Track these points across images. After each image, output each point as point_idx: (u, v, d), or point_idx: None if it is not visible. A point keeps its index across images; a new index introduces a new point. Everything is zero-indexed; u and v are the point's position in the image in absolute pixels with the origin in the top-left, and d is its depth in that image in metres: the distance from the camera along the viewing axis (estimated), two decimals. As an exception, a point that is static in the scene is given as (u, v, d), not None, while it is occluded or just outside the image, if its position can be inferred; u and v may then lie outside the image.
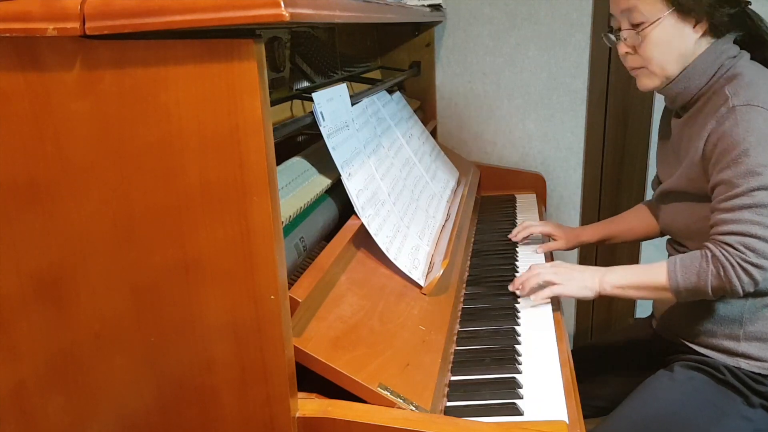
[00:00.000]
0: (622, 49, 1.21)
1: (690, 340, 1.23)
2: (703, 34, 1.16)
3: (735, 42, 1.19)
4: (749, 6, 1.18)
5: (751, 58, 1.19)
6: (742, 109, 1.08)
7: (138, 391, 0.78)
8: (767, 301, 1.16)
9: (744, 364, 1.16)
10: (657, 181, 1.41)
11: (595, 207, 2.17)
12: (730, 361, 1.17)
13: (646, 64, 1.18)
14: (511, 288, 1.25)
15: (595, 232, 1.52)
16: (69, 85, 0.69)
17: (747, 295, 1.15)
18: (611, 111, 2.07)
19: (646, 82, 1.22)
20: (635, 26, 1.16)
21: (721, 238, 1.08)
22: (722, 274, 1.06)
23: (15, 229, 0.75)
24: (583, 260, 2.21)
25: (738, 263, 1.06)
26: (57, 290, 0.76)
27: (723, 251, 1.07)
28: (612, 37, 1.23)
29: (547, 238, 1.55)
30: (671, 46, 1.15)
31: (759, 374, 1.15)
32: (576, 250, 2.21)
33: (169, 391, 0.78)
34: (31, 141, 0.71)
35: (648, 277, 1.15)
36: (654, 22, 1.13)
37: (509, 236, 1.57)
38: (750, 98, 1.09)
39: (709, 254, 1.08)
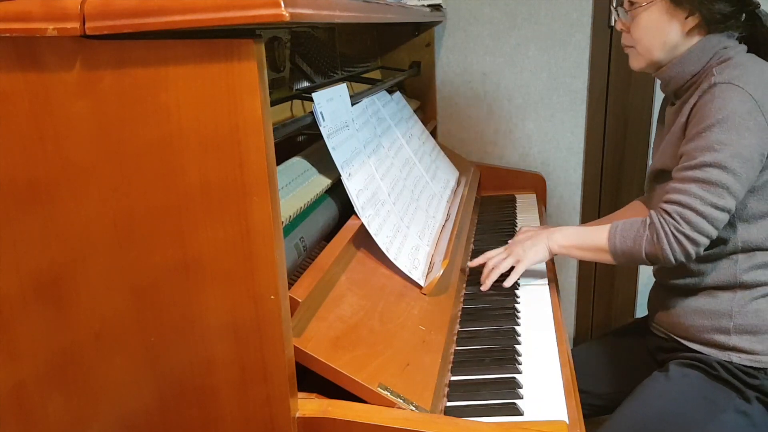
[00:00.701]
0: (618, 25, 1.26)
1: (682, 336, 1.23)
2: (695, 29, 1.17)
3: (738, 39, 1.20)
4: (758, 8, 1.18)
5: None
6: (722, 86, 1.10)
7: (138, 391, 0.78)
8: (756, 293, 1.17)
9: (735, 357, 1.16)
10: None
11: (595, 207, 2.17)
12: (722, 355, 1.17)
13: (634, 44, 1.23)
14: (483, 289, 1.29)
15: None
16: (69, 85, 0.69)
17: (734, 287, 1.17)
18: (611, 111, 2.07)
19: (633, 62, 1.26)
20: (631, 5, 1.20)
21: (664, 205, 1.11)
22: (655, 240, 1.10)
23: (15, 229, 0.75)
24: (583, 262, 2.21)
25: (671, 232, 1.09)
26: (57, 290, 0.76)
27: (661, 218, 1.10)
28: (616, 11, 1.27)
29: None
30: (657, 31, 1.18)
31: (751, 367, 1.15)
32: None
33: (169, 391, 0.78)
34: (31, 141, 0.71)
35: (590, 238, 1.20)
36: (645, 5, 1.17)
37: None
38: (732, 77, 1.10)
39: (648, 221, 1.12)
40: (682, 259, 1.10)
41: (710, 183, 1.07)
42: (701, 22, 1.16)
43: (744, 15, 1.18)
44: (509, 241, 1.33)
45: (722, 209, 1.08)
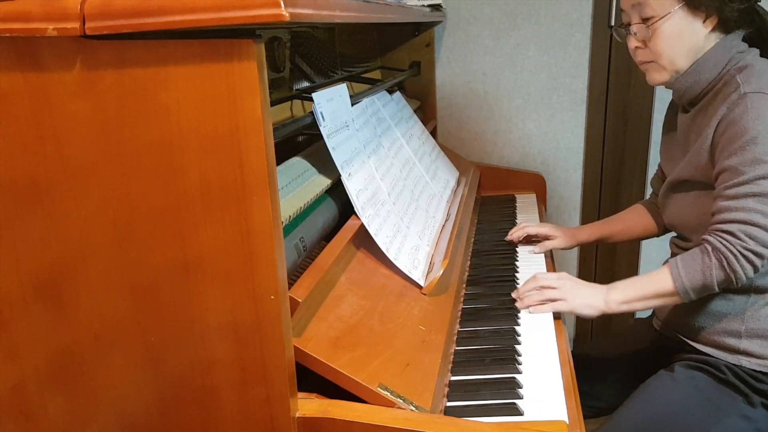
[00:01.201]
0: (632, 43, 1.21)
1: (691, 337, 1.23)
2: (713, 30, 1.16)
3: (744, 39, 1.20)
4: (758, 2, 1.18)
5: (761, 56, 1.19)
6: (754, 96, 1.08)
7: (138, 391, 0.78)
8: None
9: (745, 361, 1.16)
10: (659, 178, 1.41)
11: (595, 207, 2.17)
12: (731, 358, 1.17)
13: (655, 58, 1.19)
14: (514, 295, 1.23)
15: (592, 231, 1.52)
16: (69, 85, 0.69)
17: (749, 291, 1.16)
18: (611, 111, 2.07)
19: (655, 77, 1.22)
20: (645, 20, 1.17)
21: (722, 226, 1.07)
22: (725, 264, 1.06)
23: (15, 229, 0.75)
24: (583, 260, 2.21)
25: (740, 251, 1.06)
26: (57, 290, 0.76)
27: (723, 241, 1.07)
28: (622, 31, 1.24)
29: (545, 238, 1.55)
30: (681, 40, 1.16)
31: (760, 372, 1.15)
32: (576, 250, 2.21)
33: (169, 391, 0.78)
34: (31, 141, 0.71)
35: (653, 286, 1.14)
36: (664, 16, 1.14)
37: (506, 238, 1.57)
38: (762, 86, 1.09)
39: (709, 247, 1.08)
40: (752, 275, 1.08)
41: (766, 195, 1.05)
42: (719, 22, 1.15)
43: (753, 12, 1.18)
44: (563, 274, 1.23)
45: None
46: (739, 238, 1.06)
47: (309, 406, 0.78)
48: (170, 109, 0.67)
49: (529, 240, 1.55)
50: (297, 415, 0.77)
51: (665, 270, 1.12)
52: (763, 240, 1.05)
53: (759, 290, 1.16)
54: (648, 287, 1.14)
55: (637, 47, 1.21)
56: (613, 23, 1.94)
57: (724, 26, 1.16)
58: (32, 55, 0.69)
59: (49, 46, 0.68)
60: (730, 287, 1.11)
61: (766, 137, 1.05)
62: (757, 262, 1.06)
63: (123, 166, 0.70)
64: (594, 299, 1.15)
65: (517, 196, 1.98)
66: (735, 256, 1.06)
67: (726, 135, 1.10)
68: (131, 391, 0.79)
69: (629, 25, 1.21)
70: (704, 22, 1.15)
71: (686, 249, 1.21)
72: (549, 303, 1.18)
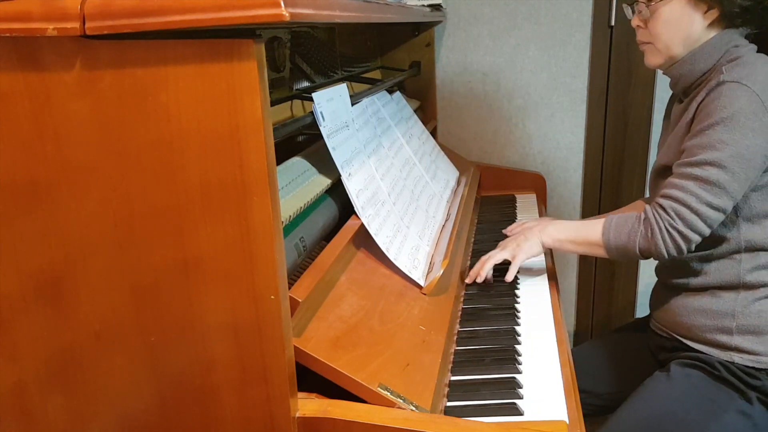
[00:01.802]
0: (635, 21, 1.24)
1: (685, 335, 1.23)
2: (714, 23, 1.17)
3: (748, 37, 1.20)
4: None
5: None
6: (730, 84, 1.10)
7: (138, 391, 0.78)
8: (759, 294, 1.17)
9: (737, 358, 1.16)
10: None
11: (595, 207, 2.17)
12: (724, 355, 1.17)
13: (653, 40, 1.21)
14: (468, 281, 1.30)
15: None
16: (69, 85, 0.69)
17: (738, 287, 1.17)
18: (611, 111, 2.07)
19: (651, 59, 1.24)
20: (649, 1, 1.18)
21: (660, 200, 1.12)
22: (649, 235, 1.11)
23: (15, 229, 0.75)
24: (583, 259, 2.21)
25: (665, 227, 1.09)
26: (57, 290, 0.76)
27: (655, 213, 1.11)
28: (629, 9, 1.26)
29: None
30: (678, 26, 1.17)
31: (753, 368, 1.15)
32: (576, 255, 2.20)
33: (169, 391, 0.78)
34: (31, 141, 0.71)
35: (584, 232, 1.21)
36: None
37: (504, 231, 1.57)
38: (741, 76, 1.10)
39: (642, 216, 1.13)
40: (674, 254, 1.11)
41: (708, 181, 1.07)
42: (720, 16, 1.15)
43: (760, 10, 1.17)
44: (506, 240, 1.33)
45: (717, 208, 1.08)
46: (669, 215, 1.10)
47: (309, 406, 0.78)
48: (170, 109, 0.67)
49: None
50: (297, 415, 0.77)
51: (600, 221, 1.19)
52: (691, 223, 1.08)
53: (748, 286, 1.17)
54: (580, 232, 1.22)
55: (638, 26, 1.23)
56: (613, 23, 1.94)
57: (726, 21, 1.16)
58: (32, 55, 0.69)
59: (49, 46, 0.68)
60: (651, 258, 1.15)
61: (727, 125, 1.07)
62: (681, 243, 1.10)
63: (123, 166, 0.70)
64: (534, 239, 1.26)
65: (517, 196, 1.98)
66: (660, 230, 1.10)
67: (697, 119, 1.13)
68: (131, 391, 0.79)
69: (637, 2, 1.22)
70: (705, 13, 1.16)
71: None
72: (510, 267, 1.26)
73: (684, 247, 1.10)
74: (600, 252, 1.19)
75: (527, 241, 1.27)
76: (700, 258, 1.19)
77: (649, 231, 1.11)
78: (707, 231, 1.10)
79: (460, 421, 0.81)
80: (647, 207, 1.13)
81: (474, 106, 2.12)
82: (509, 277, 1.27)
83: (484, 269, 1.28)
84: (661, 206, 1.11)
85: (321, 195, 1.06)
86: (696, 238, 1.10)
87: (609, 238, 1.15)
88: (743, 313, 1.17)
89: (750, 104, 1.07)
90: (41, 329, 0.78)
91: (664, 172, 1.25)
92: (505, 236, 1.55)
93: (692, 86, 1.21)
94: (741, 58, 1.14)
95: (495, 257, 1.28)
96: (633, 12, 1.24)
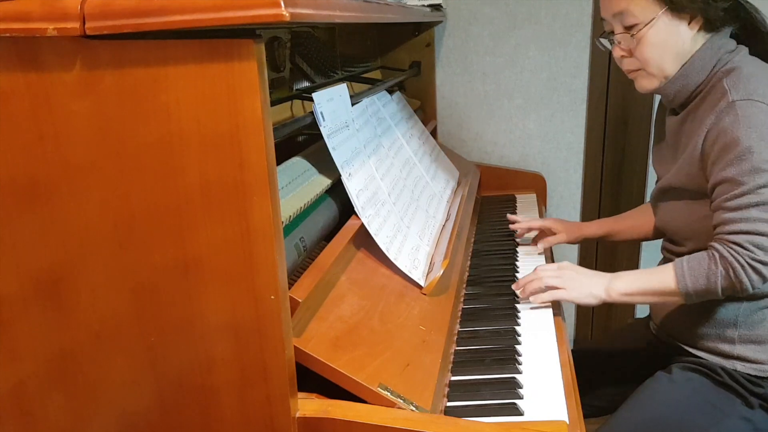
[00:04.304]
0: (617, 52, 1.19)
1: (686, 342, 1.23)
2: (699, 30, 1.14)
3: (732, 36, 1.18)
4: None
5: (750, 53, 1.18)
6: (743, 104, 1.06)
7: (138, 391, 0.78)
8: (762, 304, 1.16)
9: (740, 366, 1.16)
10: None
11: (595, 207, 2.17)
12: (726, 363, 1.17)
13: (643, 65, 1.17)
14: (513, 287, 1.24)
15: (599, 227, 1.51)
16: (69, 85, 0.69)
17: (741, 297, 1.15)
18: (611, 111, 2.07)
19: (644, 84, 1.20)
20: (629, 29, 1.14)
21: (729, 237, 1.06)
22: (732, 274, 1.05)
23: (15, 229, 0.75)
24: (583, 259, 2.21)
25: (747, 263, 1.04)
26: (57, 290, 0.76)
27: (731, 251, 1.05)
28: (605, 41, 1.22)
29: (549, 233, 1.54)
30: (667, 45, 1.14)
31: (755, 376, 1.15)
32: (576, 249, 2.21)
33: (169, 391, 0.78)
34: (31, 141, 0.71)
35: (656, 282, 1.13)
36: (648, 23, 1.12)
37: (511, 226, 1.56)
38: (749, 92, 1.07)
39: (717, 255, 1.07)
40: (759, 286, 1.07)
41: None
42: (704, 22, 1.13)
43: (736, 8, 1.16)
44: (564, 263, 1.24)
45: None
46: (748, 249, 1.04)
47: (309, 406, 0.78)
48: (170, 109, 0.67)
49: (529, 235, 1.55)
50: (297, 415, 0.77)
51: (670, 268, 1.11)
52: None
53: (751, 296, 1.15)
54: (652, 282, 1.14)
55: (623, 56, 1.19)
56: (615, 45, 1.93)
57: (709, 25, 1.14)
58: (32, 55, 0.69)
59: (49, 46, 0.68)
60: (735, 296, 1.10)
61: (761, 145, 1.04)
62: (764, 271, 1.05)
63: (123, 166, 0.70)
64: (595, 288, 1.16)
65: (517, 196, 1.98)
66: (743, 266, 1.05)
67: (717, 145, 1.08)
68: (131, 391, 0.79)
69: (612, 33, 1.18)
70: (689, 23, 1.13)
71: (678, 254, 1.21)
72: (550, 292, 1.18)
73: (766, 275, 1.06)
74: (675, 299, 1.13)
75: (589, 288, 1.17)
76: None
77: (731, 270, 1.05)
78: None
79: (460, 421, 0.81)
80: (718, 246, 1.07)
81: (474, 106, 2.12)
82: (536, 300, 1.19)
83: (530, 287, 1.20)
84: (735, 243, 1.05)
85: (321, 195, 1.06)
86: None
87: (686, 285, 1.09)
88: (746, 322, 1.16)
89: None
90: (41, 329, 0.78)
91: (669, 193, 1.23)
92: (509, 243, 1.54)
93: (689, 99, 1.19)
94: (738, 69, 1.12)
95: (547, 281, 1.19)
96: (610, 42, 1.20)
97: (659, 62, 1.16)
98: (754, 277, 1.05)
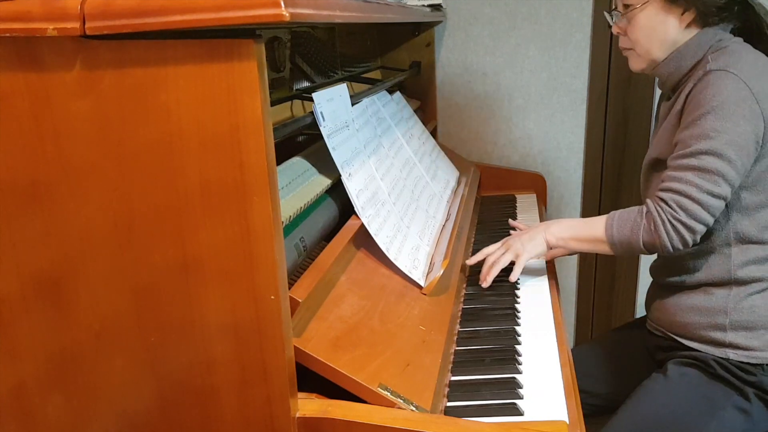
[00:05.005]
0: (614, 29, 1.25)
1: (679, 334, 1.23)
2: (692, 23, 1.18)
3: (733, 32, 1.21)
4: None
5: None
6: (717, 73, 1.11)
7: (138, 391, 0.78)
8: (750, 290, 1.17)
9: (732, 354, 1.16)
10: None
11: (595, 207, 2.17)
12: (719, 352, 1.17)
13: (633, 46, 1.23)
14: (484, 285, 1.28)
15: None
16: (69, 85, 0.69)
17: (730, 284, 1.17)
18: (611, 111, 2.07)
19: (633, 64, 1.26)
20: (626, 8, 1.20)
21: (660, 193, 1.11)
22: (652, 228, 1.10)
23: (15, 229, 0.75)
24: (583, 260, 2.21)
25: (668, 220, 1.09)
26: (57, 290, 0.76)
27: (657, 207, 1.11)
28: (610, 15, 1.27)
29: None
30: (655, 31, 1.18)
31: (748, 363, 1.15)
32: (576, 255, 2.21)
33: (169, 391, 0.78)
34: (31, 141, 0.71)
35: (588, 229, 1.21)
36: (640, 6, 1.17)
37: (511, 222, 1.58)
38: (727, 65, 1.11)
39: (645, 209, 1.13)
40: (680, 247, 1.10)
41: (706, 170, 1.08)
42: (697, 16, 1.16)
43: (736, 6, 1.18)
44: (506, 238, 1.33)
45: (718, 196, 1.08)
46: (671, 207, 1.09)
47: (309, 406, 0.78)
48: (170, 109, 0.67)
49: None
50: (297, 415, 0.77)
51: (603, 218, 1.18)
52: (694, 213, 1.08)
53: (740, 282, 1.17)
54: (583, 229, 1.22)
55: (618, 33, 1.25)
56: (613, 23, 1.94)
57: (702, 20, 1.17)
58: (32, 55, 0.69)
59: (49, 46, 0.68)
60: (656, 252, 1.15)
61: (718, 113, 1.07)
62: (685, 234, 1.09)
63: (123, 166, 0.70)
64: (539, 238, 1.25)
65: (517, 196, 1.98)
66: (663, 222, 1.09)
67: (687, 109, 1.13)
68: (131, 391, 0.79)
69: (616, 9, 1.24)
70: (682, 15, 1.17)
71: None
72: (515, 268, 1.26)
73: (689, 238, 1.10)
74: (604, 248, 1.18)
75: (531, 241, 1.26)
76: (692, 254, 1.19)
77: (652, 224, 1.10)
78: (710, 220, 1.10)
79: (460, 421, 0.81)
80: (648, 201, 1.13)
81: (474, 106, 2.12)
82: (513, 277, 1.27)
83: (490, 275, 1.27)
84: (662, 199, 1.11)
85: (321, 195, 1.06)
86: (700, 229, 1.10)
87: (612, 234, 1.15)
88: (736, 309, 1.17)
89: (738, 91, 1.08)
90: (41, 329, 0.78)
91: (656, 165, 1.26)
92: (506, 234, 1.56)
93: (680, 82, 1.22)
94: (727, 47, 1.16)
95: (501, 260, 1.27)
96: (612, 19, 1.25)
97: (646, 45, 1.21)
98: (674, 236, 1.09)
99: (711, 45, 1.17)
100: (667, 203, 1.10)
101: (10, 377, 0.81)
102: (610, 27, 1.28)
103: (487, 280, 1.27)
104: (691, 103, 1.13)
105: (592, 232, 1.19)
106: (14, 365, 0.80)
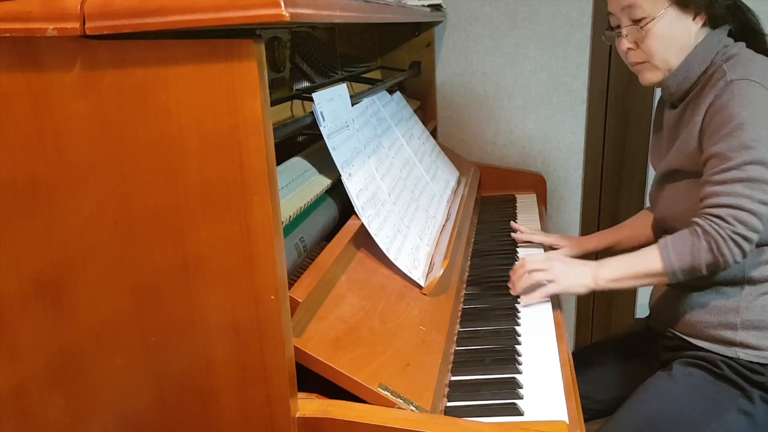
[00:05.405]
0: (624, 45, 1.22)
1: (688, 333, 1.23)
2: (703, 26, 1.19)
3: (729, 35, 1.22)
4: None
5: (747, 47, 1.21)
6: (740, 83, 1.10)
7: (138, 391, 0.78)
8: (762, 289, 1.17)
9: (742, 354, 1.16)
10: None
11: (595, 207, 2.17)
12: (728, 351, 1.17)
13: (648, 58, 1.21)
14: (512, 293, 1.24)
15: (600, 239, 1.52)
16: (69, 85, 0.69)
17: (742, 283, 1.17)
18: (611, 111, 2.07)
19: (649, 77, 1.23)
20: (636, 22, 1.18)
21: (712, 210, 1.09)
22: (714, 247, 1.08)
23: (15, 229, 0.75)
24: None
25: (729, 235, 1.07)
26: (57, 290, 0.76)
27: (713, 224, 1.08)
28: (611, 34, 1.25)
29: (550, 248, 1.54)
30: (673, 39, 1.18)
31: (757, 363, 1.15)
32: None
33: (169, 391, 0.78)
34: (31, 141, 0.71)
35: (642, 265, 1.16)
36: (656, 17, 1.16)
37: (513, 235, 1.57)
38: (747, 73, 1.11)
39: (700, 230, 1.10)
40: (740, 260, 1.09)
41: (754, 180, 1.07)
42: (707, 18, 1.18)
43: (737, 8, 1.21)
44: (551, 254, 1.25)
45: (767, 204, 1.08)
46: (729, 223, 1.07)
47: (309, 406, 0.78)
48: (170, 109, 0.67)
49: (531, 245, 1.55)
50: (297, 415, 0.77)
51: (655, 249, 1.14)
52: (751, 224, 1.07)
53: (752, 281, 1.17)
54: (638, 265, 1.16)
55: (629, 49, 1.22)
56: (623, 36, 1.94)
57: (712, 22, 1.19)
58: (32, 55, 0.69)
59: (49, 46, 0.68)
60: (717, 271, 1.12)
61: (752, 122, 1.07)
62: (745, 246, 1.08)
63: (123, 166, 0.70)
64: (583, 277, 1.18)
65: (517, 196, 1.98)
66: (724, 239, 1.07)
67: (713, 122, 1.12)
68: (131, 391, 0.79)
69: (618, 27, 1.22)
70: (694, 19, 1.17)
71: None
72: (540, 290, 1.20)
73: (748, 249, 1.08)
74: (663, 279, 1.14)
75: (577, 276, 1.18)
76: None
77: (713, 244, 1.08)
78: (762, 228, 1.09)
79: (460, 421, 0.81)
80: (699, 220, 1.10)
81: (474, 106, 2.12)
82: (527, 300, 1.21)
83: (521, 283, 1.22)
84: (717, 216, 1.08)
85: (321, 195, 1.06)
86: (755, 238, 1.09)
87: (672, 263, 1.11)
88: (748, 308, 1.17)
89: (764, 99, 1.09)
90: (41, 329, 0.78)
91: (673, 175, 1.24)
92: (509, 243, 1.55)
93: (689, 91, 1.22)
94: (738, 55, 1.16)
95: (536, 276, 1.20)
96: (616, 36, 1.23)
97: (664, 55, 1.19)
98: (736, 250, 1.07)
99: (717, 51, 1.18)
100: (723, 219, 1.07)
101: (10, 377, 0.81)
102: (609, 43, 1.27)
103: (515, 287, 1.23)
104: (717, 115, 1.11)
105: (647, 266, 1.14)
106: (14, 365, 0.80)
